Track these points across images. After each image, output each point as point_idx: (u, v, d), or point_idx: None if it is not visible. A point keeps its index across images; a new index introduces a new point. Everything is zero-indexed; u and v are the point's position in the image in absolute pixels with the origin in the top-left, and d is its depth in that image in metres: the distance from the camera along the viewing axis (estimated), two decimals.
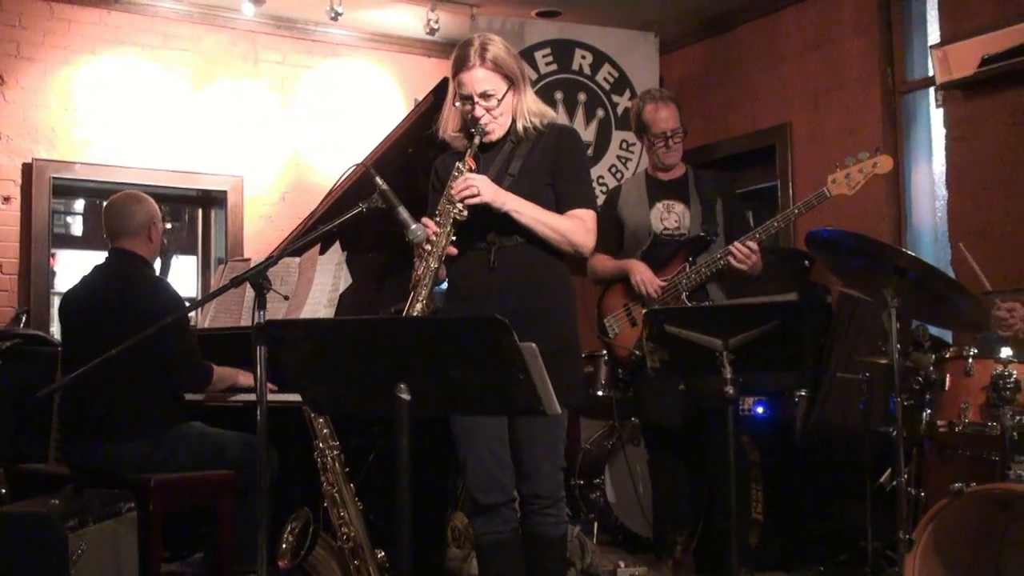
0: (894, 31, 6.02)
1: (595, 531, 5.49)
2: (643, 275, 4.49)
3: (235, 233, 6.88)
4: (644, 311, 3.75)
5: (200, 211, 7.20)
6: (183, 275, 7.34)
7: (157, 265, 4.48)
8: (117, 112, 6.49)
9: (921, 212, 5.99)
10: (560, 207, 3.36)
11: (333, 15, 6.42)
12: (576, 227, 3.34)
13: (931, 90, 5.84)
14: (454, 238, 3.21)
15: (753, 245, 4.33)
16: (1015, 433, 3.49)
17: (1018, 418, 3.50)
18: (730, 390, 3.32)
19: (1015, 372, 3.53)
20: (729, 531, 3.69)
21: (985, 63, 5.13)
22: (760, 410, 5.27)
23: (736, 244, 4.35)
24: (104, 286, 4.27)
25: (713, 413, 4.29)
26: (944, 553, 3.51)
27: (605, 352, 5.20)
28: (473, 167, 3.29)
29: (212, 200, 7.06)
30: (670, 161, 4.70)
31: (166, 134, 6.63)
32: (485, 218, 3.24)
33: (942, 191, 5.67)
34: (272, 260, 3.08)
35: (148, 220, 4.33)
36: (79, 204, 8.86)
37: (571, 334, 3.38)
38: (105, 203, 4.43)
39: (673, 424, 4.57)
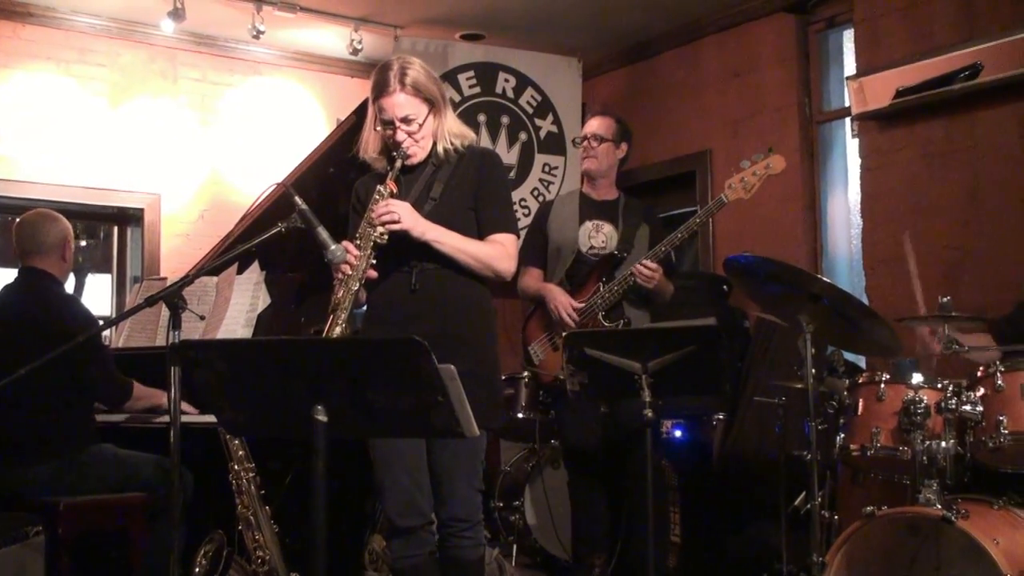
0: (812, 62, 6.15)
1: (514, 553, 5.48)
2: (557, 300, 4.51)
3: (151, 251, 6.76)
4: (564, 334, 3.76)
5: (116, 229, 7.06)
6: (97, 293, 7.19)
7: (71, 284, 4.40)
8: (31, 127, 6.34)
9: (837, 240, 6.11)
10: (481, 231, 3.36)
11: (255, 33, 6.35)
12: (497, 253, 3.34)
13: (847, 120, 5.96)
14: (374, 261, 3.20)
15: (652, 264, 4.39)
16: (925, 457, 3.56)
17: (928, 443, 3.57)
18: (649, 413, 3.35)
19: (925, 398, 3.60)
20: (647, 554, 3.71)
21: (899, 95, 5.23)
22: (678, 433, 5.31)
23: (637, 265, 4.40)
24: (13, 305, 4.17)
25: (633, 436, 4.31)
26: (856, 575, 3.56)
27: (526, 375, 5.21)
28: (394, 190, 3.28)
29: (128, 218, 6.93)
30: (585, 167, 4.79)
31: (82, 150, 6.50)
32: (406, 242, 3.23)
33: (857, 219, 5.78)
34: (188, 279, 3.06)
35: (62, 239, 4.25)
36: None
37: (491, 356, 3.37)
38: (17, 220, 4.33)
39: (593, 447, 4.58)
